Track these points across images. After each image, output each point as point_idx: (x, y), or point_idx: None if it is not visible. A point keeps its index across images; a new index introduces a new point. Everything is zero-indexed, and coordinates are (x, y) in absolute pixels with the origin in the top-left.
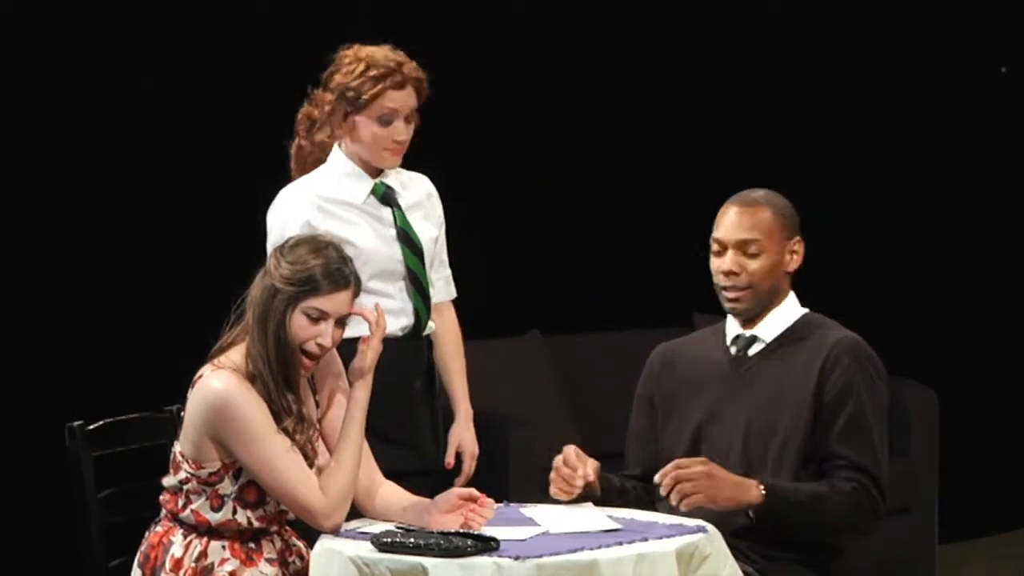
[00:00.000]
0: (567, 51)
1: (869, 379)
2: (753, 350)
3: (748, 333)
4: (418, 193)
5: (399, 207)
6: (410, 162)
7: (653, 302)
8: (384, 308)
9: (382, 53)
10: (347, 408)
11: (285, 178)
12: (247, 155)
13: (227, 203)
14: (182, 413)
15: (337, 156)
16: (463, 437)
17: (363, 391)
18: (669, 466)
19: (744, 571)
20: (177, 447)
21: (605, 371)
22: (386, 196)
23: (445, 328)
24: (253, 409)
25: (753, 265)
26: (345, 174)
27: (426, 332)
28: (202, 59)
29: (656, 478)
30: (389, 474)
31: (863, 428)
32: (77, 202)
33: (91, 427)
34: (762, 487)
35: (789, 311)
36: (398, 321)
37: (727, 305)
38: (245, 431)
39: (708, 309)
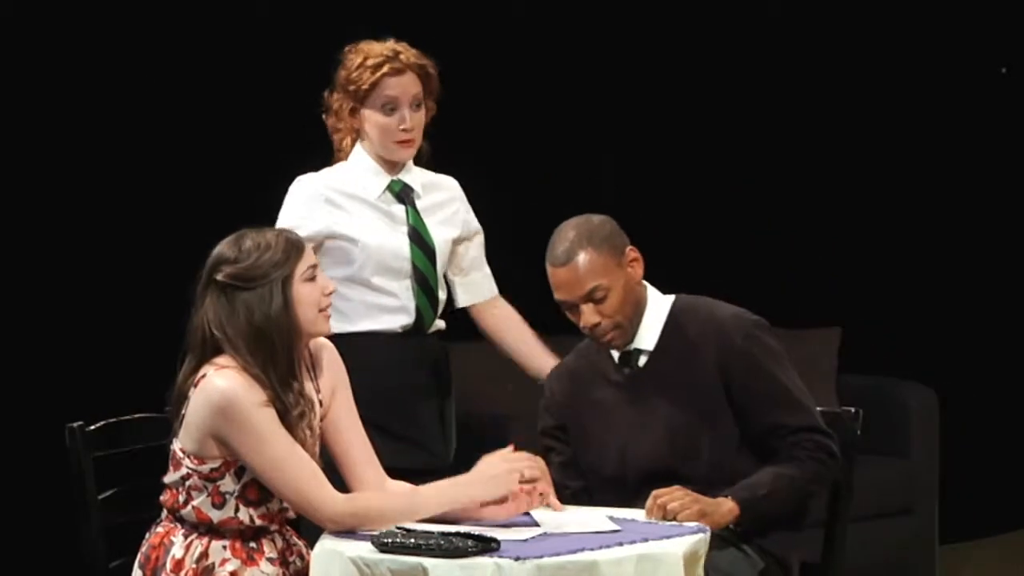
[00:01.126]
0: (566, 51)
1: (763, 345)
2: (642, 361)
3: (630, 347)
4: (441, 196)
5: (413, 206)
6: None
7: None
8: (383, 305)
9: (381, 44)
10: (441, 485)
11: (285, 180)
12: (248, 156)
13: (228, 204)
14: (182, 412)
15: (358, 152)
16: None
17: (445, 495)
18: (650, 500)
19: (743, 550)
20: (176, 444)
21: None
22: (401, 193)
23: (507, 317)
24: (258, 409)
25: (608, 307)
26: (364, 169)
27: (432, 329)
28: (202, 59)
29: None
30: (392, 471)
31: (781, 393)
32: (77, 203)
33: (91, 428)
34: (731, 499)
35: (658, 310)
36: (396, 319)
37: (608, 347)
38: (251, 431)
39: None
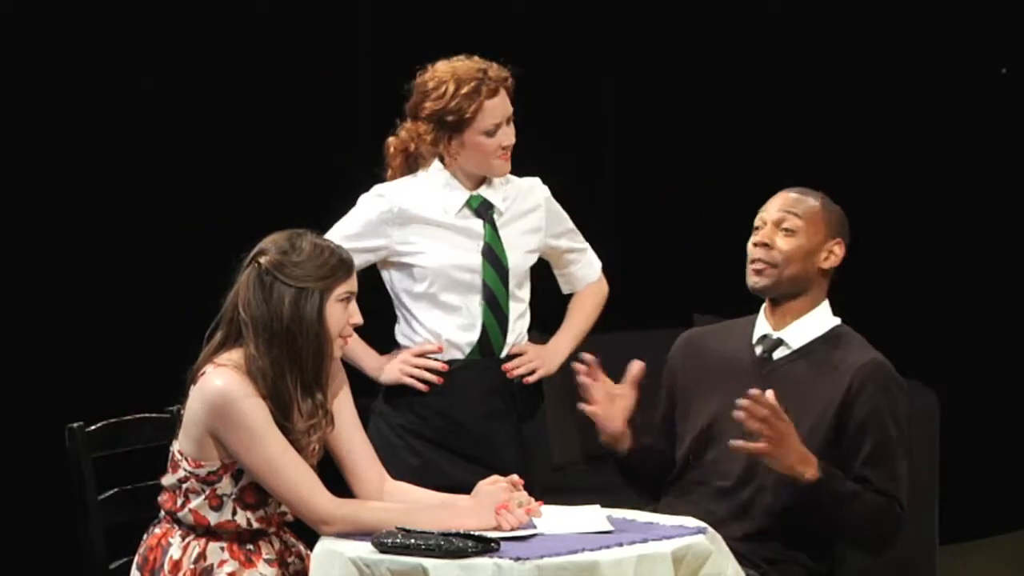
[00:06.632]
0: (565, 50)
1: (894, 404)
2: (778, 354)
3: (775, 335)
4: (523, 204)
5: (492, 224)
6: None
7: (653, 302)
8: (451, 319)
9: (464, 66)
10: (437, 508)
11: (285, 180)
12: (247, 156)
13: (228, 205)
14: (182, 412)
15: (437, 168)
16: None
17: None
18: (767, 399)
19: (747, 574)
20: (176, 446)
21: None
22: (480, 209)
23: (591, 287)
24: (254, 408)
25: (784, 243)
26: (441, 186)
27: (502, 354)
28: (202, 59)
29: (746, 402)
30: (468, 489)
31: (888, 455)
32: (77, 203)
33: (91, 428)
34: (820, 471)
35: (821, 320)
36: (464, 335)
37: (750, 280)
38: (245, 429)
39: (708, 309)
